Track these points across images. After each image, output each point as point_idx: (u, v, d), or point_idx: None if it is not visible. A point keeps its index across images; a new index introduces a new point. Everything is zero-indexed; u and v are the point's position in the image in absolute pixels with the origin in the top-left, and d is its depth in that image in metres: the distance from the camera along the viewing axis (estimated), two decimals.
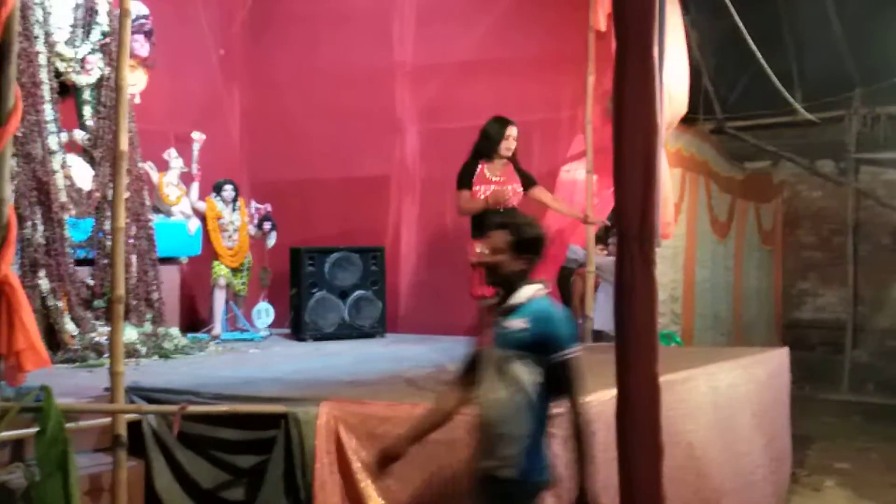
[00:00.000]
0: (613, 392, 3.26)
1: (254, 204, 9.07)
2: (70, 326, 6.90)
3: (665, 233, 8.12)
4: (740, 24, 7.97)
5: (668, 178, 8.01)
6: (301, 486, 4.26)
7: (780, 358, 6.79)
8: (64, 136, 7.30)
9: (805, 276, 13.25)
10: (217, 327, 8.48)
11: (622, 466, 2.91)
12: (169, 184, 8.28)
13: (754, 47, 8.26)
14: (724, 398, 5.56)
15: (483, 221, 5.45)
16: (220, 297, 8.57)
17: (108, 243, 6.72)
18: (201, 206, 8.56)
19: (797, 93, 11.64)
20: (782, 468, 6.42)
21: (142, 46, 7.73)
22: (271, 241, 8.96)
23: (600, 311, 7.76)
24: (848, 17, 11.39)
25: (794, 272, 13.27)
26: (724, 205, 10.88)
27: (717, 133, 12.49)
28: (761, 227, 12.50)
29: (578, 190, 8.24)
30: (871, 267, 12.62)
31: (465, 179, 6.03)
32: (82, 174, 7.38)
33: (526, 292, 3.39)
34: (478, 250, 5.49)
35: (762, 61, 8.61)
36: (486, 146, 6.12)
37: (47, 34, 7.11)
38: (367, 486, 4.21)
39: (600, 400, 4.43)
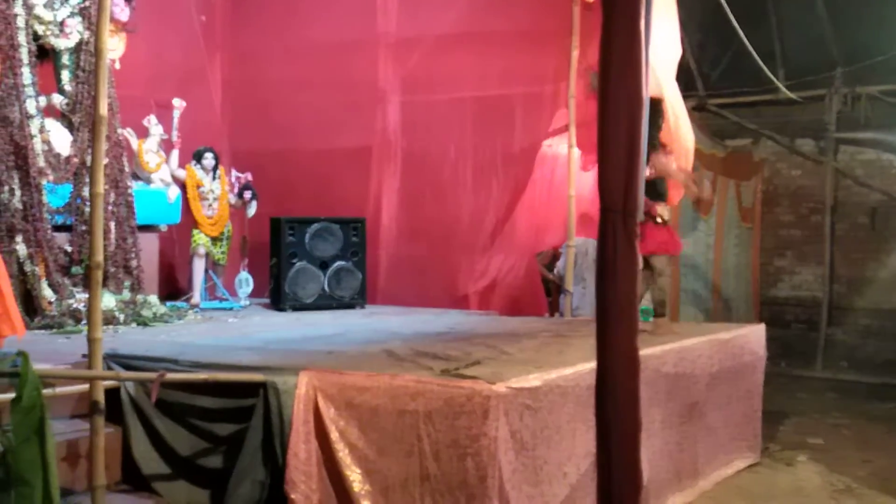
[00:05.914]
0: (592, 365, 3.27)
1: (234, 172, 9.02)
2: (47, 292, 6.88)
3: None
4: (724, 2, 7.96)
5: (690, 131, 7.91)
6: (279, 454, 4.26)
7: (756, 334, 6.83)
8: (42, 101, 7.23)
9: (783, 254, 13.34)
10: (196, 296, 8.46)
11: (600, 439, 2.92)
12: (149, 151, 8.21)
13: (737, 25, 8.25)
14: (681, 372, 5.60)
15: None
16: (199, 266, 8.55)
17: (87, 209, 6.68)
18: (181, 173, 8.50)
19: (779, 71, 11.66)
20: (743, 442, 6.50)
21: (122, 10, 7.64)
22: (252, 210, 8.93)
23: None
24: None
25: (772, 250, 13.37)
26: (705, 182, 10.92)
27: (698, 110, 12.49)
28: (741, 204, 12.56)
29: (560, 164, 8.25)
30: (848, 246, 12.72)
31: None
32: (60, 139, 7.31)
33: None
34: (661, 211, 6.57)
35: (745, 39, 8.61)
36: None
37: None
38: (344, 455, 4.21)
39: (579, 372, 4.47)
